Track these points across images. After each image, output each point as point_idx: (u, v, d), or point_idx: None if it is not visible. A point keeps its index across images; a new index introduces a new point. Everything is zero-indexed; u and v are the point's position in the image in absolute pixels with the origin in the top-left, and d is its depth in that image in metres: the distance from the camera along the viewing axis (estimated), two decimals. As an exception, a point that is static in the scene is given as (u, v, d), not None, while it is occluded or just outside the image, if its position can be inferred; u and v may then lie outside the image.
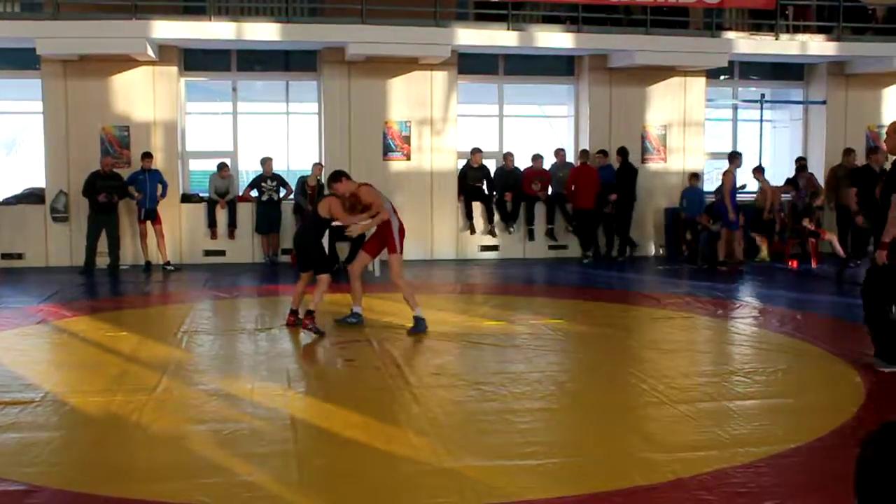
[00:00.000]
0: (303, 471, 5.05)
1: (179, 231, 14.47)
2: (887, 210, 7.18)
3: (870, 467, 1.49)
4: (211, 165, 14.89)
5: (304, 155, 15.54)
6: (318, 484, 4.90)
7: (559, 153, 15.57)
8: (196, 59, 14.94)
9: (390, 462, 5.20)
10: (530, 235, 15.34)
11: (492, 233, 15.19)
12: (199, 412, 6.25)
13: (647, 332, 9.30)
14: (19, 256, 14.10)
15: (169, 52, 14.22)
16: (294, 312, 9.14)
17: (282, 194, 14.43)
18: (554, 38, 14.58)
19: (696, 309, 10.51)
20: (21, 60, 14.12)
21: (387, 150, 14.93)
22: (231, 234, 14.57)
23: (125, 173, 13.81)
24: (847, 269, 12.69)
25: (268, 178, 14.37)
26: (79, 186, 13.52)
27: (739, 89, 16.86)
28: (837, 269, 12.81)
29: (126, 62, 13.99)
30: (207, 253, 14.55)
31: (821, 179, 15.45)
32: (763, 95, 16.40)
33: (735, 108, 16.92)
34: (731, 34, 15.38)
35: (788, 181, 15.05)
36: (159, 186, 13.78)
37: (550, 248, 15.41)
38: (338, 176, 9.08)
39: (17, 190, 14.69)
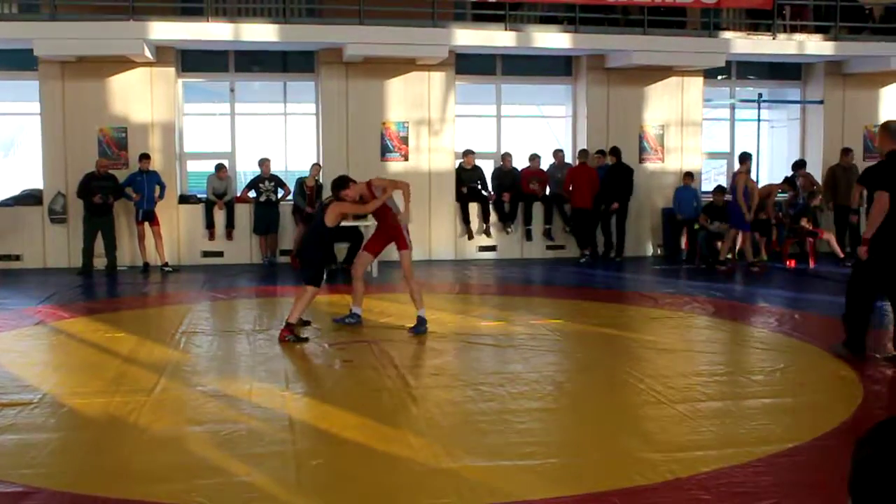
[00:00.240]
0: (301, 471, 5.04)
1: (177, 232, 14.46)
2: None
3: (866, 467, 1.48)
4: (209, 166, 14.88)
5: (301, 156, 15.54)
6: (317, 485, 4.90)
7: (558, 154, 15.58)
8: (193, 60, 14.93)
9: (389, 463, 5.20)
10: (528, 236, 15.34)
11: (487, 232, 15.19)
12: (198, 413, 6.25)
13: (645, 331, 9.30)
14: (17, 258, 14.09)
15: (166, 53, 14.21)
16: (305, 322, 9.00)
17: (280, 195, 14.43)
18: (551, 39, 14.59)
19: (693, 309, 10.51)
20: (18, 61, 14.10)
21: (385, 150, 14.93)
22: (229, 235, 14.56)
23: (123, 174, 13.81)
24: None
25: (266, 179, 14.37)
26: (76, 188, 13.51)
27: (737, 89, 16.87)
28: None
29: (123, 63, 13.98)
30: (205, 254, 14.55)
31: (818, 179, 15.46)
32: (760, 95, 16.41)
33: (732, 107, 16.93)
34: (728, 34, 15.39)
35: (786, 180, 15.06)
36: (157, 188, 13.77)
37: (548, 248, 15.42)
38: (345, 182, 8.87)
39: (15, 191, 14.67)
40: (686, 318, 10.02)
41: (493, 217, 15.16)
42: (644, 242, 15.79)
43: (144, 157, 13.71)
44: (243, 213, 14.57)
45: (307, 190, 14.15)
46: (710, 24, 15.12)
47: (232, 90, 15.23)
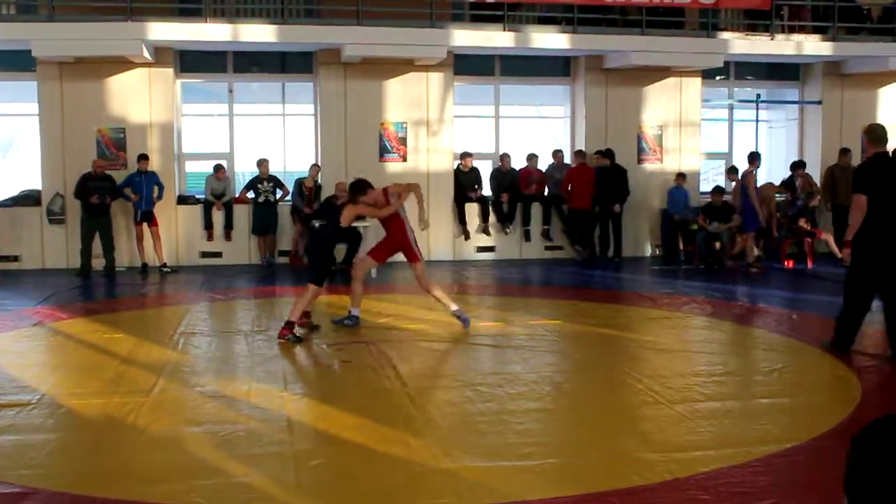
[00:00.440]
0: (300, 472, 5.04)
1: (176, 233, 14.46)
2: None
3: (861, 468, 1.48)
4: (207, 167, 14.88)
5: (300, 156, 15.54)
6: (315, 485, 4.90)
7: (557, 154, 15.57)
8: (192, 61, 14.93)
9: (387, 463, 5.20)
10: (526, 236, 15.34)
11: (486, 231, 15.20)
12: (196, 414, 6.25)
13: (644, 332, 9.30)
14: (15, 258, 14.08)
15: (165, 54, 14.21)
16: (306, 314, 8.92)
17: (278, 196, 14.43)
18: (550, 39, 14.59)
19: (692, 309, 10.52)
20: (17, 62, 14.10)
21: (383, 151, 14.93)
22: (227, 236, 14.56)
23: (121, 175, 13.81)
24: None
25: (264, 180, 14.36)
26: (73, 188, 13.50)
27: (735, 89, 16.88)
28: None
29: (122, 64, 13.98)
30: (204, 254, 14.54)
31: (817, 179, 15.48)
32: (759, 95, 16.42)
33: (731, 108, 16.94)
34: (726, 34, 15.39)
35: (784, 182, 15.07)
36: (155, 188, 13.76)
37: (547, 248, 15.42)
38: (364, 188, 8.87)
39: (14, 192, 14.66)
40: (684, 318, 10.02)
41: (491, 218, 15.17)
42: (642, 243, 15.79)
43: (143, 157, 13.71)
44: (242, 214, 14.57)
45: (306, 191, 14.15)
46: (709, 24, 15.13)
47: (230, 91, 15.23)
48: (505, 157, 15.22)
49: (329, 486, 4.90)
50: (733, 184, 14.81)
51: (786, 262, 14.17)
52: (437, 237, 14.97)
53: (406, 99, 14.89)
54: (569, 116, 16.09)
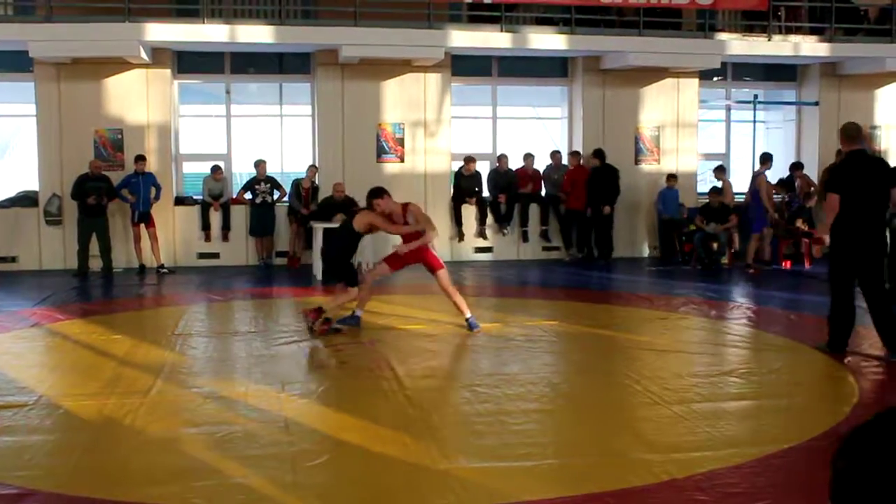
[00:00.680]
0: (297, 473, 5.04)
1: (173, 234, 14.45)
2: None
3: (846, 478, 1.45)
4: (204, 168, 14.87)
5: (297, 157, 15.54)
6: (313, 486, 4.90)
7: (555, 155, 15.57)
8: (189, 62, 14.93)
9: (385, 464, 5.20)
10: (524, 237, 15.35)
11: (482, 234, 15.21)
12: (194, 415, 6.25)
13: (641, 332, 9.30)
14: (13, 259, 14.07)
15: (162, 55, 14.21)
16: (321, 316, 8.94)
17: (275, 197, 14.42)
18: (547, 40, 14.60)
19: (689, 309, 10.53)
20: (14, 63, 14.10)
21: (380, 152, 14.94)
22: (225, 237, 14.55)
23: (118, 176, 13.80)
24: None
25: (261, 181, 14.36)
26: (70, 189, 13.50)
27: (732, 90, 16.91)
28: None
29: (119, 65, 13.97)
30: (201, 255, 14.54)
31: (815, 180, 15.48)
32: (756, 96, 16.43)
33: (728, 109, 16.96)
34: (723, 35, 15.41)
35: (781, 182, 15.09)
36: (153, 189, 13.76)
37: (544, 249, 15.43)
38: (381, 192, 8.90)
39: (11, 193, 14.66)
40: (682, 319, 10.03)
41: (489, 219, 15.17)
42: (639, 243, 15.80)
43: (140, 158, 13.70)
44: (239, 215, 14.57)
45: (303, 192, 14.15)
46: (706, 25, 15.14)
47: (228, 91, 15.23)
48: (502, 158, 15.22)
49: (327, 486, 4.90)
50: (720, 183, 14.87)
51: (783, 263, 14.18)
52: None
53: (403, 100, 14.89)
54: (566, 117, 16.10)
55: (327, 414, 6.24)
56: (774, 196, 14.98)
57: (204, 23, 13.56)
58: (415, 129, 14.99)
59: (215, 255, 14.54)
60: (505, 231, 15.22)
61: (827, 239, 7.95)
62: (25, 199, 14.37)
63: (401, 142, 14.97)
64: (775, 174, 15.97)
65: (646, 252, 15.80)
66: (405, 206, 9.04)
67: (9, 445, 5.57)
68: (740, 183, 16.85)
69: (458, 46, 14.37)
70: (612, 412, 6.45)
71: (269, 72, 15.54)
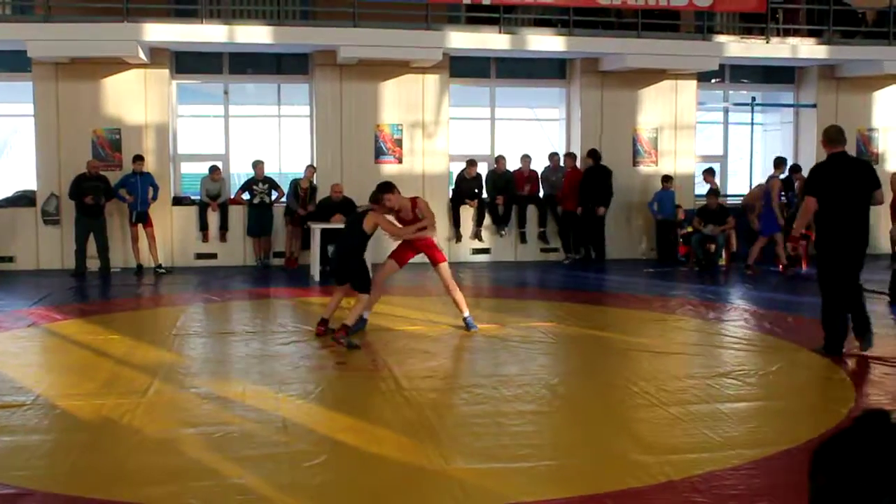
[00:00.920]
0: (294, 473, 5.04)
1: (171, 234, 14.44)
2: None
3: (824, 495, 1.41)
4: (202, 168, 14.87)
5: (295, 158, 15.53)
6: (310, 486, 4.90)
7: (553, 157, 15.56)
8: (188, 62, 14.92)
9: (382, 465, 5.20)
10: (522, 238, 15.36)
11: (478, 236, 15.21)
12: (191, 415, 6.25)
13: (638, 334, 9.30)
14: (10, 259, 14.06)
15: (160, 55, 14.20)
16: (325, 322, 8.89)
17: (273, 197, 14.42)
18: (545, 42, 14.61)
19: (686, 311, 10.54)
20: (12, 63, 14.08)
21: (378, 153, 14.94)
22: (222, 237, 14.55)
23: (116, 176, 13.80)
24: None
25: (259, 181, 14.35)
26: (68, 189, 13.49)
27: (730, 92, 16.93)
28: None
29: (117, 65, 13.97)
30: (199, 256, 14.54)
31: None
32: (754, 98, 16.45)
33: (726, 111, 16.97)
34: (721, 37, 15.42)
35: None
36: (151, 189, 13.76)
37: (542, 251, 15.44)
38: (390, 187, 8.83)
39: (8, 192, 14.65)
40: (679, 320, 10.04)
41: (486, 220, 15.18)
42: (637, 245, 15.81)
43: (138, 158, 13.70)
44: (237, 215, 14.56)
45: (301, 192, 14.15)
46: (704, 27, 15.14)
47: (226, 92, 15.22)
48: (500, 160, 15.22)
49: (324, 487, 4.90)
50: (709, 185, 14.91)
51: (780, 265, 14.18)
52: (432, 239, 14.97)
53: (402, 101, 14.89)
54: (564, 119, 16.10)
55: (325, 414, 6.24)
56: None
57: (202, 23, 13.56)
58: (413, 130, 14.99)
59: (213, 256, 14.54)
60: (502, 232, 15.22)
61: (799, 237, 8.20)
62: (23, 199, 14.36)
63: (399, 143, 14.98)
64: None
65: (643, 253, 15.79)
66: (414, 200, 9.03)
67: (6, 445, 5.57)
68: (738, 185, 16.90)
69: (457, 48, 14.38)
70: (610, 414, 6.46)
71: (267, 72, 15.53)
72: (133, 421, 6.00)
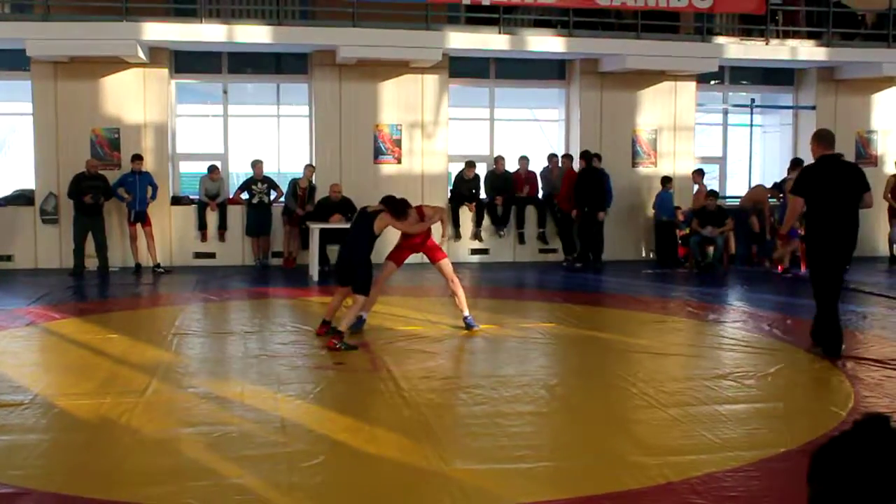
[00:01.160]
0: (293, 474, 5.04)
1: (169, 233, 14.43)
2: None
3: (824, 499, 1.41)
4: (201, 168, 14.86)
5: (294, 158, 15.53)
6: (309, 487, 4.89)
7: (552, 158, 15.55)
8: (187, 62, 14.91)
9: (381, 465, 5.20)
10: (521, 239, 15.35)
11: (478, 237, 15.21)
12: (189, 415, 6.24)
13: (637, 335, 9.30)
14: (8, 258, 14.05)
15: (159, 54, 14.19)
16: (327, 323, 8.85)
17: (272, 197, 14.41)
18: (545, 42, 14.60)
19: (685, 313, 10.54)
20: (11, 61, 14.08)
21: (377, 153, 14.93)
22: (221, 237, 14.54)
23: (115, 175, 13.79)
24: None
25: (258, 181, 14.34)
26: (67, 188, 13.47)
27: (730, 94, 16.93)
28: None
29: (116, 64, 13.96)
30: (197, 255, 14.53)
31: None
32: (753, 100, 16.46)
33: (725, 112, 16.97)
34: (721, 39, 15.43)
35: (775, 185, 15.11)
36: (149, 188, 13.74)
37: (540, 251, 15.43)
38: (404, 207, 8.80)
39: (7, 191, 14.64)
40: (678, 321, 10.04)
41: (485, 220, 15.17)
42: (636, 246, 15.81)
43: (137, 157, 13.69)
44: (236, 215, 14.55)
45: (300, 192, 14.14)
46: (704, 28, 15.15)
47: (225, 91, 15.21)
48: (499, 160, 15.22)
49: (323, 487, 4.90)
50: (697, 186, 14.91)
51: (779, 266, 14.18)
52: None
53: (401, 101, 14.89)
54: (563, 119, 16.10)
55: (323, 415, 6.24)
56: (770, 199, 15.02)
57: (201, 22, 13.55)
58: (412, 131, 14.99)
59: (211, 255, 14.53)
60: (501, 233, 15.22)
61: (785, 234, 8.27)
62: (22, 198, 14.35)
63: (398, 143, 14.97)
64: (770, 179, 16.01)
65: (642, 255, 15.80)
66: (420, 209, 9.14)
67: (4, 444, 5.56)
68: (737, 186, 16.90)
69: (456, 48, 14.37)
70: (608, 415, 6.45)
71: (266, 72, 15.53)
72: (131, 420, 5.99)
